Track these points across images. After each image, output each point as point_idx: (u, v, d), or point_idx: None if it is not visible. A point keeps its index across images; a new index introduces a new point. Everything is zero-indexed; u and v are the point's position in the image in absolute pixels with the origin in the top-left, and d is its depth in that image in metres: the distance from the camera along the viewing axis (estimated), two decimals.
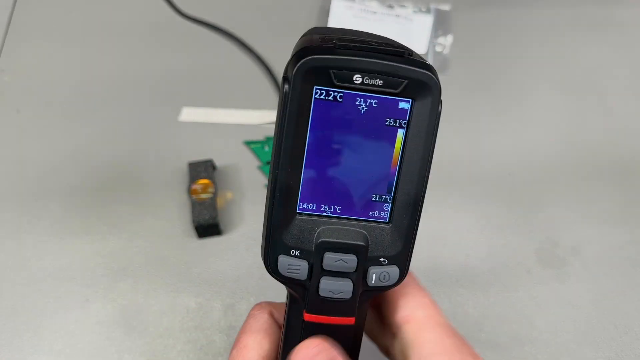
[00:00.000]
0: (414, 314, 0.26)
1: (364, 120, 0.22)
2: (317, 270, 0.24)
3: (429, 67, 0.22)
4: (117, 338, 0.41)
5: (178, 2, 0.60)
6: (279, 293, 0.44)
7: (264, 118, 0.53)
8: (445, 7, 0.61)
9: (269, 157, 0.50)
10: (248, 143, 0.51)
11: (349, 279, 0.24)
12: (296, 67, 0.21)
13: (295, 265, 0.24)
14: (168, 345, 0.41)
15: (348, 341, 0.26)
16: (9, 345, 0.41)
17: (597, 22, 0.61)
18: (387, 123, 0.23)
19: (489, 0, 0.63)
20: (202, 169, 0.47)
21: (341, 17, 0.59)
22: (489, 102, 0.56)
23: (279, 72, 0.56)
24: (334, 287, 0.24)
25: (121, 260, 0.45)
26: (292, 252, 0.24)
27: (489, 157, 0.52)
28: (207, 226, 0.45)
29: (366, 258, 0.24)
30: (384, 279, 0.24)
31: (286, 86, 0.21)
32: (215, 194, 0.46)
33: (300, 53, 0.21)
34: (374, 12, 0.59)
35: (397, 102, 0.22)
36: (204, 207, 0.45)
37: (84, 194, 0.48)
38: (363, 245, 0.24)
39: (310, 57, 0.21)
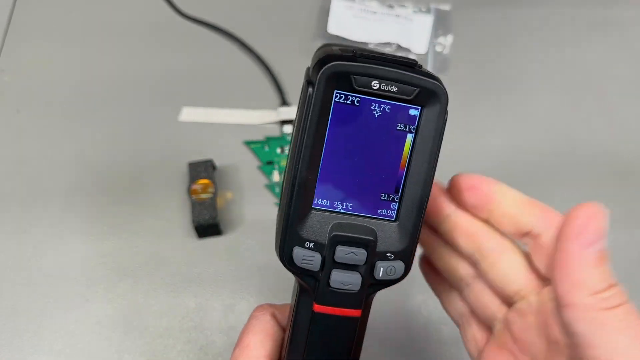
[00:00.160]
0: None
1: (377, 124, 0.24)
2: (329, 262, 0.25)
3: (437, 79, 0.24)
4: (117, 338, 0.41)
5: (178, 2, 0.60)
6: (279, 293, 0.44)
7: (264, 118, 0.53)
8: (445, 7, 0.61)
9: (269, 157, 0.50)
10: (248, 143, 0.51)
11: (358, 272, 0.26)
12: (321, 71, 0.23)
13: (309, 257, 0.25)
14: (168, 345, 0.41)
15: (353, 333, 0.27)
16: (9, 345, 0.41)
17: (597, 22, 0.61)
18: (397, 128, 0.25)
19: (489, 0, 0.63)
20: (202, 169, 0.47)
21: (341, 17, 0.59)
22: (488, 102, 0.56)
23: (279, 72, 0.56)
24: (344, 279, 0.25)
25: (121, 260, 0.45)
26: (307, 245, 0.25)
27: (488, 157, 0.52)
28: (207, 226, 0.45)
29: (375, 253, 0.25)
30: (390, 273, 0.26)
31: (310, 89, 0.23)
32: (215, 194, 0.46)
33: (324, 59, 0.23)
34: (374, 12, 0.59)
35: (408, 109, 0.24)
36: (204, 207, 0.45)
37: (84, 194, 0.48)
38: (372, 240, 0.25)
39: (335, 63, 0.23)
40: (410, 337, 0.43)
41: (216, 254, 0.46)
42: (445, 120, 0.24)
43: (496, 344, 0.28)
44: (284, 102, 0.53)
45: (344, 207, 0.25)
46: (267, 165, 0.50)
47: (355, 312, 0.27)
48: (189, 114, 0.53)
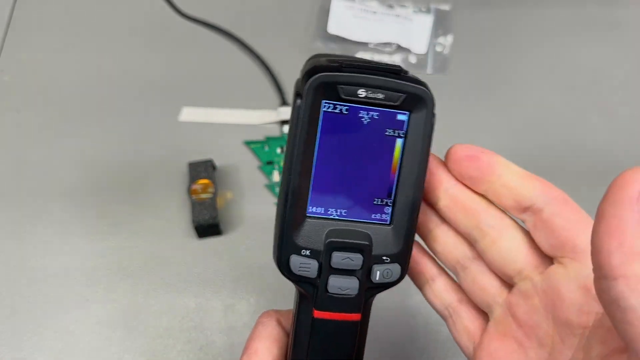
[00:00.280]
0: None
1: (366, 131, 0.25)
2: (326, 269, 0.26)
3: (424, 84, 0.25)
4: (117, 338, 0.41)
5: (178, 2, 0.60)
6: (279, 293, 0.44)
7: (264, 118, 0.53)
8: (445, 7, 0.61)
9: (269, 157, 0.50)
10: (248, 143, 0.51)
11: (355, 277, 0.26)
12: (308, 82, 0.24)
13: (306, 264, 0.26)
14: (168, 345, 0.41)
15: (354, 337, 0.28)
16: (9, 345, 0.41)
17: (597, 22, 0.61)
18: (387, 133, 0.25)
19: (489, 0, 0.63)
20: (202, 169, 0.47)
21: (341, 17, 0.59)
22: (488, 102, 0.56)
23: (279, 72, 0.56)
24: (341, 284, 0.26)
25: (121, 260, 0.45)
26: (303, 252, 0.26)
27: None
28: (207, 226, 0.45)
29: (370, 257, 0.26)
30: (387, 276, 0.26)
31: (298, 101, 0.24)
32: (215, 194, 0.46)
33: (311, 71, 0.24)
34: (374, 12, 0.59)
35: (396, 114, 0.25)
36: (204, 207, 0.45)
37: (84, 194, 0.48)
38: (367, 244, 0.26)
39: (321, 74, 0.24)
40: (410, 337, 0.43)
41: (216, 254, 0.46)
42: (433, 124, 0.25)
43: (497, 331, 0.26)
44: (284, 102, 0.53)
45: (338, 213, 0.26)
46: (267, 165, 0.50)
47: (355, 316, 0.27)
48: (189, 114, 0.53)
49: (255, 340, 0.28)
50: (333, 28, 0.58)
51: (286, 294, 0.28)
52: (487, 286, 0.27)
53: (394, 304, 0.44)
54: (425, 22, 0.59)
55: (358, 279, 0.26)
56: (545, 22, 0.62)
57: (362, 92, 0.24)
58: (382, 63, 0.25)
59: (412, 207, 0.26)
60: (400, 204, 0.26)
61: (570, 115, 0.55)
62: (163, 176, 0.49)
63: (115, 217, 0.47)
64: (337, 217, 0.26)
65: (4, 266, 0.44)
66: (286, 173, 0.25)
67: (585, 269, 0.23)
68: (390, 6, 0.60)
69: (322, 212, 0.26)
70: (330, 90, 0.24)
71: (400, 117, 0.25)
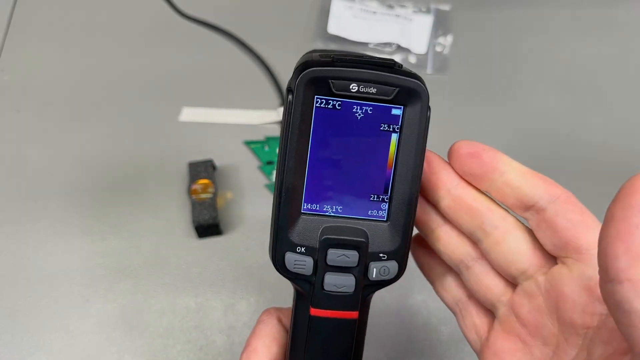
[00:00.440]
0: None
1: (360, 126, 0.25)
2: (321, 266, 0.25)
3: (417, 77, 0.24)
4: (117, 338, 0.41)
5: (178, 2, 0.60)
6: (279, 293, 0.44)
7: (264, 118, 0.53)
8: (445, 7, 0.61)
9: (269, 157, 0.50)
10: (248, 143, 0.51)
11: (351, 274, 0.26)
12: (298, 78, 0.23)
13: (301, 261, 0.25)
14: (168, 345, 0.41)
15: (352, 335, 0.27)
16: (9, 345, 0.41)
17: (597, 22, 0.61)
18: (381, 128, 0.25)
19: (489, 0, 0.63)
20: (202, 169, 0.47)
21: (341, 17, 0.59)
22: (488, 102, 0.56)
23: (279, 72, 0.56)
24: (337, 282, 0.26)
25: (121, 260, 0.45)
26: (298, 249, 0.25)
27: None
28: (207, 226, 0.45)
29: (367, 254, 0.26)
30: (384, 273, 0.26)
31: (290, 97, 0.24)
32: (215, 194, 0.46)
33: (302, 67, 0.24)
34: (374, 12, 0.59)
35: (390, 108, 0.25)
36: (204, 207, 0.45)
37: (84, 194, 0.48)
38: (364, 241, 0.25)
39: (311, 69, 0.23)
40: (410, 337, 0.43)
41: (216, 254, 0.46)
42: (429, 117, 0.25)
43: (502, 329, 0.26)
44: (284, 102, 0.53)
45: (333, 210, 0.26)
46: (267, 165, 0.50)
47: (352, 314, 0.27)
48: (189, 114, 0.53)
49: (255, 338, 0.28)
50: (333, 28, 0.58)
51: (286, 294, 0.28)
52: (491, 285, 0.27)
53: (394, 303, 0.44)
54: (425, 22, 0.59)
55: (354, 276, 0.26)
56: (545, 22, 0.62)
57: (354, 87, 0.24)
58: (375, 57, 0.25)
59: (410, 202, 0.25)
60: (397, 200, 0.26)
61: (570, 115, 0.55)
62: (163, 176, 0.49)
63: (115, 217, 0.47)
64: (332, 214, 0.26)
65: (4, 266, 0.44)
66: (280, 170, 0.25)
67: (588, 269, 0.23)
68: (390, 6, 0.60)
69: (317, 208, 0.26)
70: (321, 86, 0.24)
71: (395, 111, 0.25)
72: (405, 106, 0.25)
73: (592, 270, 0.23)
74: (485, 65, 0.58)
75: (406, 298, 0.44)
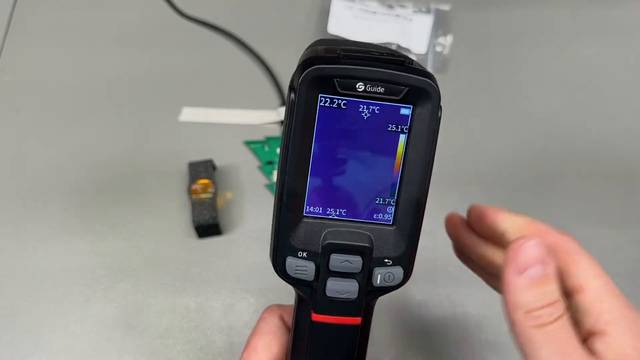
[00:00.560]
0: (589, 283, 0.26)
1: (367, 127, 0.23)
2: (323, 271, 0.25)
3: (428, 75, 0.23)
4: (117, 338, 0.41)
5: (178, 2, 0.60)
6: (279, 293, 0.44)
7: (264, 118, 0.53)
8: (445, 7, 0.61)
9: (269, 157, 0.50)
10: (248, 143, 0.51)
11: (354, 280, 0.25)
12: (301, 76, 0.22)
13: (302, 267, 0.24)
14: (168, 345, 0.41)
15: (355, 341, 0.27)
16: (9, 345, 0.41)
17: (597, 22, 0.61)
18: (389, 129, 0.24)
19: (489, 0, 0.63)
20: (202, 169, 0.47)
21: (341, 17, 0.59)
22: (488, 102, 0.56)
23: (279, 72, 0.56)
24: (340, 288, 0.25)
25: (121, 260, 0.45)
26: (300, 254, 0.24)
27: (489, 157, 0.52)
28: (207, 226, 0.45)
29: (371, 259, 0.25)
30: (388, 280, 0.25)
31: (292, 95, 0.23)
32: (215, 194, 0.46)
33: (305, 63, 0.22)
34: (374, 12, 0.59)
35: (399, 108, 0.23)
36: (204, 207, 0.45)
37: (84, 194, 0.48)
38: (368, 246, 0.24)
39: (315, 67, 0.22)
40: (410, 337, 0.43)
41: (216, 254, 0.46)
42: (439, 118, 0.23)
43: None
44: (284, 102, 0.53)
45: (337, 213, 0.25)
46: (267, 165, 0.50)
47: (355, 320, 0.26)
48: (189, 114, 0.53)
49: (256, 337, 0.28)
50: (333, 28, 0.58)
51: (287, 294, 0.28)
52: None
53: (394, 303, 0.44)
54: (425, 22, 0.59)
55: (358, 282, 0.25)
56: (545, 22, 0.62)
57: (360, 86, 0.22)
58: (386, 50, 0.23)
59: (417, 206, 0.24)
60: (404, 203, 0.24)
61: (570, 115, 0.55)
62: (163, 176, 0.49)
63: (115, 217, 0.47)
64: (336, 217, 0.25)
65: (4, 266, 0.44)
66: (281, 171, 0.24)
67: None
68: (390, 6, 0.60)
69: (320, 211, 0.25)
70: (326, 84, 0.22)
71: (404, 111, 0.23)
72: (414, 106, 0.23)
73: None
74: (485, 65, 0.58)
75: (407, 298, 0.44)
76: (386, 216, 0.25)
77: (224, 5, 0.61)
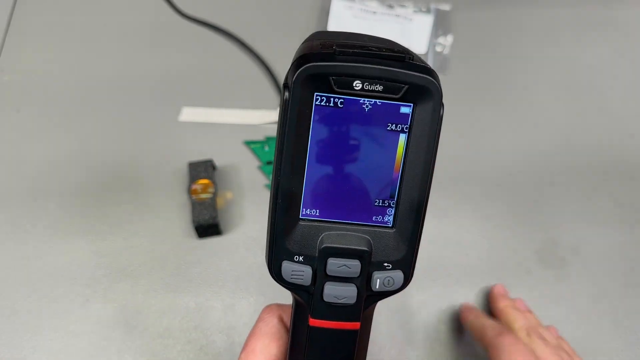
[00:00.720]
0: None
1: (365, 126, 0.22)
2: (321, 276, 0.24)
3: (429, 72, 0.22)
4: (117, 338, 0.41)
5: (178, 2, 0.60)
6: (279, 293, 0.44)
7: (264, 118, 0.53)
8: (445, 7, 0.61)
9: (269, 157, 0.50)
10: (248, 143, 0.51)
11: (353, 284, 0.24)
12: (296, 74, 0.21)
13: (298, 271, 0.24)
14: (168, 345, 0.41)
15: (353, 346, 0.26)
16: (9, 345, 0.41)
17: (597, 22, 0.62)
18: (388, 128, 0.22)
19: (489, 0, 0.63)
20: (202, 169, 0.47)
21: (341, 17, 0.59)
22: (488, 102, 0.56)
23: (279, 72, 0.56)
24: (338, 293, 0.24)
25: (121, 260, 0.45)
26: (296, 258, 0.23)
27: (489, 157, 0.52)
28: (207, 226, 0.45)
29: (370, 263, 0.24)
30: (388, 284, 0.24)
31: (286, 93, 0.21)
32: (215, 194, 0.46)
33: (299, 60, 0.21)
34: (374, 12, 0.59)
35: (399, 106, 0.22)
36: (204, 207, 0.45)
37: (84, 194, 0.48)
38: (366, 250, 0.23)
39: (309, 65, 0.21)
40: (410, 337, 0.43)
41: (216, 254, 0.46)
42: (441, 117, 0.22)
43: None
44: None
45: (334, 215, 0.24)
46: (267, 165, 0.50)
47: (353, 325, 0.25)
48: (189, 114, 0.53)
49: (254, 338, 0.28)
50: (333, 28, 0.58)
51: (287, 294, 0.28)
52: None
53: (394, 303, 0.44)
54: (425, 22, 0.59)
55: (356, 286, 0.24)
56: (545, 22, 0.62)
57: (358, 84, 0.21)
58: (387, 43, 0.22)
59: (418, 208, 0.23)
60: (405, 205, 0.23)
61: (570, 115, 0.55)
62: (163, 176, 0.49)
63: (115, 217, 0.47)
64: (333, 220, 0.24)
65: (4, 266, 0.44)
66: (276, 172, 0.23)
67: None
68: (390, 6, 0.60)
69: (317, 214, 0.23)
70: (321, 82, 0.21)
71: (404, 109, 0.22)
72: (415, 104, 0.22)
73: None
74: (485, 65, 0.58)
75: (406, 298, 0.44)
76: (386, 218, 0.24)
77: (224, 5, 0.61)
